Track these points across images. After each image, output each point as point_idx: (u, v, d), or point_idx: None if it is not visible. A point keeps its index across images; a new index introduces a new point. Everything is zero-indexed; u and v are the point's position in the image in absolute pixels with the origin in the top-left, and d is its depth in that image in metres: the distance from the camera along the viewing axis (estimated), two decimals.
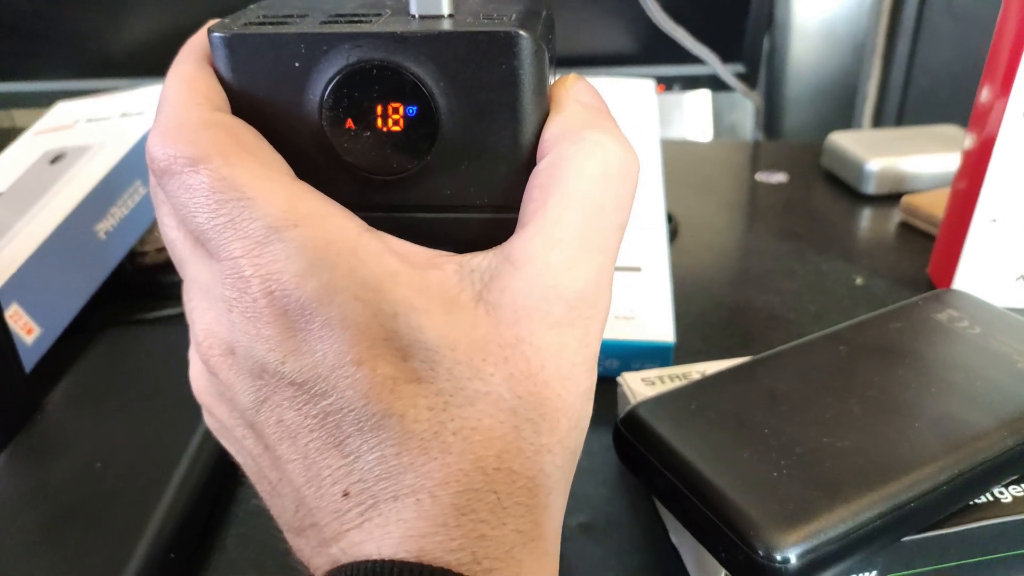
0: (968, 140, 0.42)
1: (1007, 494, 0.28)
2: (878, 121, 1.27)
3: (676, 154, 0.65)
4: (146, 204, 0.43)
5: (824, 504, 0.24)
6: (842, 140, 0.59)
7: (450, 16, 0.22)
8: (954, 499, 0.26)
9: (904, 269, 0.48)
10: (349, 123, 0.21)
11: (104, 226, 0.41)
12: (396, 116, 0.21)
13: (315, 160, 0.22)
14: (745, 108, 1.15)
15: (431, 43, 0.21)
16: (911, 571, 0.27)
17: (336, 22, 0.22)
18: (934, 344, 0.30)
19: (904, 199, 0.53)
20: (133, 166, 0.42)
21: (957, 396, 0.28)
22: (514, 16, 0.21)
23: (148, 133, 0.43)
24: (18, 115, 1.00)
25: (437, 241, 0.23)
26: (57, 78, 0.56)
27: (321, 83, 0.21)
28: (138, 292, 0.46)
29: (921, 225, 0.51)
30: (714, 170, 0.63)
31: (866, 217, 0.54)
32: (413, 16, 0.22)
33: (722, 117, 1.51)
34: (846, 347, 0.31)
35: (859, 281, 0.46)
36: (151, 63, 0.55)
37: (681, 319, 0.43)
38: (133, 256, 0.46)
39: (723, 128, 1.52)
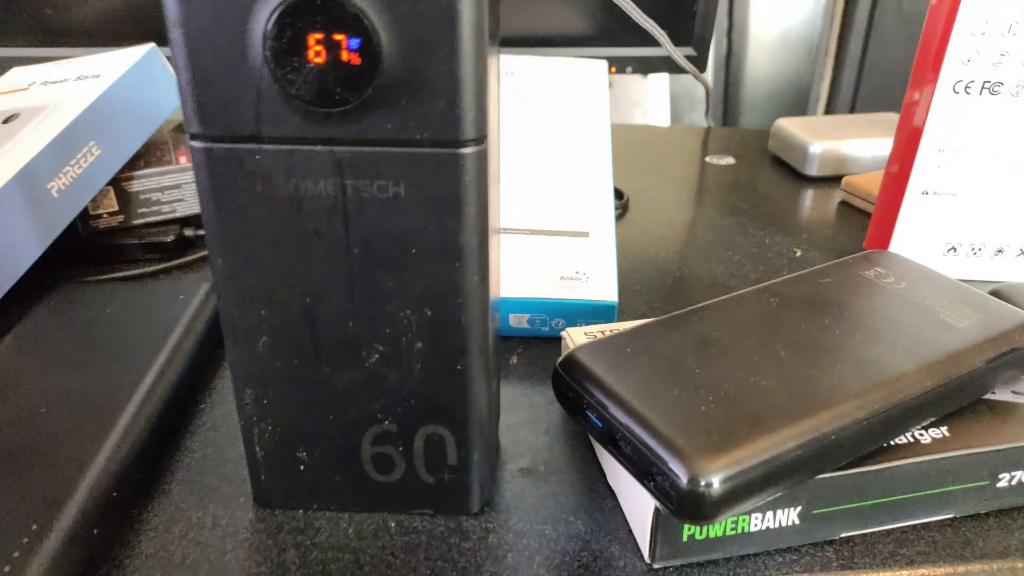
0: (901, 123, 0.44)
1: (927, 436, 0.29)
2: None
3: (632, 138, 0.66)
4: (100, 164, 0.43)
5: (747, 434, 0.25)
6: (788, 125, 0.61)
7: None
8: (874, 436, 0.27)
9: (842, 243, 0.49)
10: (292, 54, 0.22)
11: (57, 184, 0.41)
12: (338, 48, 0.22)
13: (259, 92, 0.23)
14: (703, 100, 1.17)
15: None
16: (833, 508, 0.28)
17: None
18: (860, 297, 0.32)
19: (845, 179, 0.54)
20: (88, 126, 0.43)
21: (880, 343, 0.29)
22: None
23: (104, 93, 0.43)
24: None
25: (378, 175, 0.24)
26: (8, 45, 0.55)
27: (264, 13, 0.22)
28: (91, 256, 0.46)
29: (860, 203, 0.53)
30: (667, 153, 0.64)
31: (809, 196, 0.56)
32: None
33: (681, 115, 1.53)
34: (776, 299, 0.32)
35: (798, 253, 0.48)
36: (106, 31, 0.55)
37: (627, 286, 0.44)
38: (86, 219, 0.46)
39: (682, 122, 1.54)
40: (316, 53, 0.22)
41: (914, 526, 0.29)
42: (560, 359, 0.30)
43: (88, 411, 0.32)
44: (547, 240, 0.41)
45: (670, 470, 0.25)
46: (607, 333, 0.35)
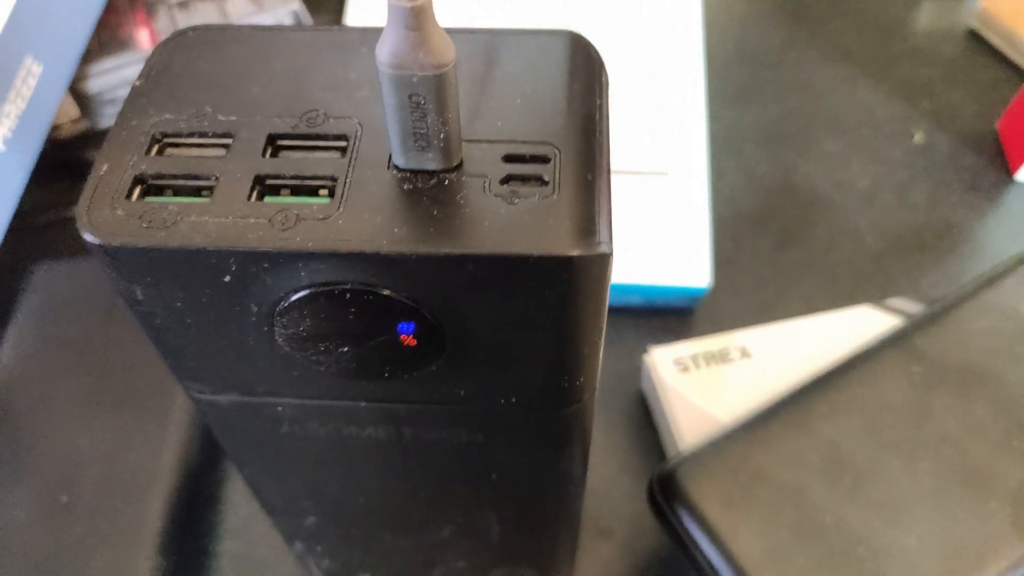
0: None
1: None
2: None
3: None
4: (46, 82, 0.34)
5: None
6: None
7: (455, 169, 0.14)
8: None
9: (970, 114, 0.40)
10: (316, 340, 0.15)
11: (1, 131, 0.32)
12: (385, 333, 0.15)
13: (271, 363, 0.16)
14: None
15: (432, 265, 0.13)
16: None
17: (279, 184, 0.14)
18: (1019, 362, 0.26)
19: (983, 4, 0.43)
20: (18, 38, 0.32)
21: None
22: (558, 174, 0.14)
23: None
24: None
25: (448, 426, 0.18)
26: None
27: (267, 299, 0.14)
28: (60, 175, 0.38)
29: (995, 41, 0.43)
30: None
31: (930, 18, 0.45)
32: (395, 169, 0.14)
33: None
34: (920, 367, 0.26)
35: (917, 138, 0.39)
36: None
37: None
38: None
39: None
40: (352, 339, 0.15)
41: None
42: (657, 473, 0.25)
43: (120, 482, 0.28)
44: (615, 183, 0.33)
45: None
46: (699, 360, 0.29)
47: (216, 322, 0.15)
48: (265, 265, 0.13)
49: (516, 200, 0.13)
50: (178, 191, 0.14)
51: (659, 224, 0.32)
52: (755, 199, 0.37)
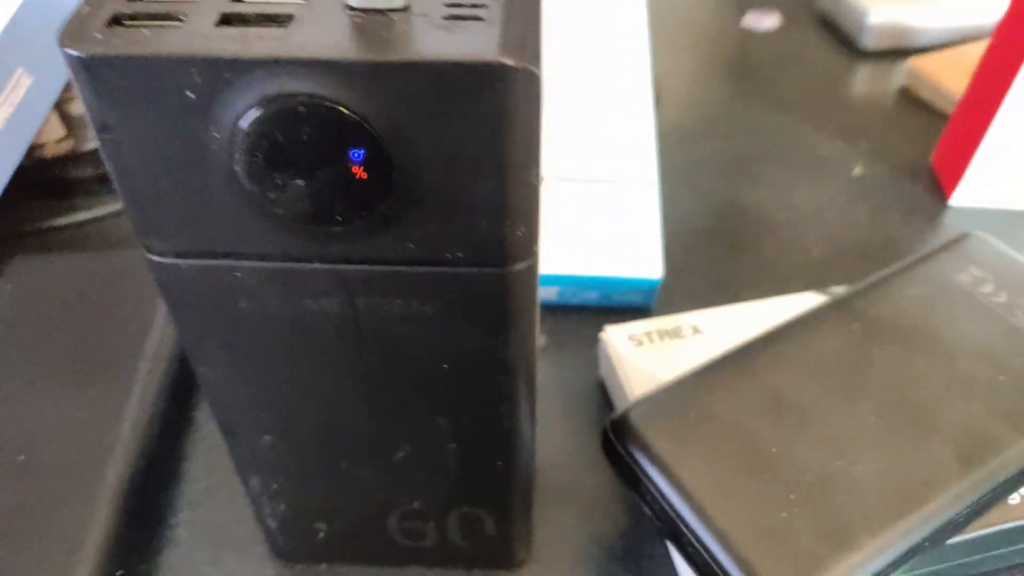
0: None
1: (1016, 496, 0.26)
2: None
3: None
4: (34, 94, 0.36)
5: (834, 556, 0.22)
6: None
7: (404, 9, 0.16)
8: (968, 523, 0.24)
9: (905, 153, 0.43)
10: (272, 170, 0.16)
11: None
12: (335, 161, 0.16)
13: (229, 210, 0.17)
14: None
15: (378, 74, 0.15)
16: (911, 574, 0.26)
17: (242, 19, 0.15)
18: (955, 321, 0.27)
19: (911, 63, 0.47)
20: (12, 49, 0.35)
21: (978, 397, 0.25)
22: (493, 16, 0.15)
23: (23, 4, 0.35)
24: None
25: (398, 294, 0.18)
26: None
27: (228, 118, 0.15)
28: (42, 191, 0.40)
29: (925, 95, 0.46)
30: (700, 16, 0.55)
31: (865, 80, 0.48)
32: (350, 8, 0.15)
33: None
34: (859, 324, 0.27)
35: (857, 171, 0.42)
36: None
37: (664, 220, 0.38)
38: (30, 151, 0.39)
39: None
40: (307, 167, 0.16)
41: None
42: (611, 418, 0.25)
43: (78, 445, 0.28)
44: (572, 190, 0.35)
45: None
46: (653, 336, 0.30)
47: (180, 154, 0.16)
48: (225, 75, 0.15)
49: (456, 30, 0.15)
50: (151, 21, 0.15)
51: (614, 223, 0.34)
52: (708, 219, 0.39)
